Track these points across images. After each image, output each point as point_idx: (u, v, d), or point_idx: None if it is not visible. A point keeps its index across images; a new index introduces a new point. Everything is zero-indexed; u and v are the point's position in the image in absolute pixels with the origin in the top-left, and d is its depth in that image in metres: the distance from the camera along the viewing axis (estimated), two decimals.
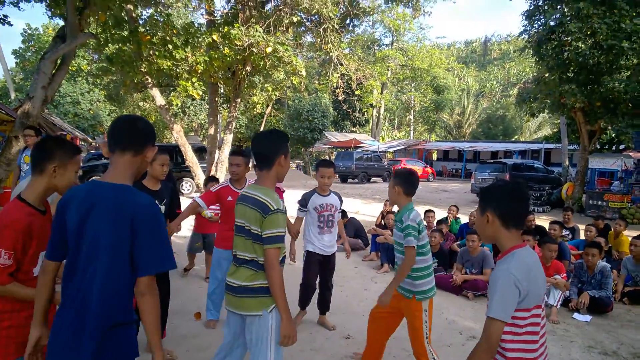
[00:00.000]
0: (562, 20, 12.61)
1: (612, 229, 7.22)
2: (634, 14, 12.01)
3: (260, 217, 2.28)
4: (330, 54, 13.64)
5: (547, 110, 15.46)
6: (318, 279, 4.49)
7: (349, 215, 8.81)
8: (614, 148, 17.34)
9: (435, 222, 7.80)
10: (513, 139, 41.46)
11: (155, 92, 13.42)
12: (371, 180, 26.70)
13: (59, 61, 9.29)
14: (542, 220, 11.20)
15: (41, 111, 9.16)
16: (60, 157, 2.06)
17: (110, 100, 35.92)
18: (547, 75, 14.45)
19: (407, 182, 3.20)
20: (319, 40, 14.13)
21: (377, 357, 3.51)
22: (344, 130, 42.65)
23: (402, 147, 37.33)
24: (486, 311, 1.78)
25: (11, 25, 12.11)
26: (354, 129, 43.80)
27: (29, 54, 36.74)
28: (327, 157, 41.17)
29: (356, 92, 15.86)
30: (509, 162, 17.72)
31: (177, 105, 14.01)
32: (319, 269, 4.44)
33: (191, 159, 13.91)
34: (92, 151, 31.13)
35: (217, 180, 6.31)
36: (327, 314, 4.66)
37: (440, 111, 45.42)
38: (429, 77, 43.02)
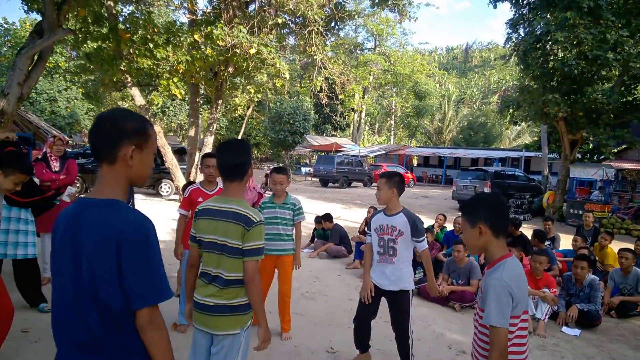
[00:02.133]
0: (549, 29, 12.72)
1: (597, 242, 7.22)
2: (620, 25, 12.22)
3: (243, 230, 2.25)
4: (315, 56, 13.50)
5: (530, 119, 15.64)
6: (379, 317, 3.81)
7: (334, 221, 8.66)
8: (595, 158, 17.65)
9: None
10: (493, 146, 42.00)
11: (135, 92, 13.05)
12: (352, 185, 26.63)
13: (35, 57, 8.96)
14: (524, 229, 11.23)
15: (16, 108, 8.81)
16: None
17: (88, 98, 34.81)
18: (531, 83, 14.60)
19: (289, 175, 4.39)
20: (302, 42, 13.97)
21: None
22: (324, 134, 42.63)
23: (383, 152, 37.45)
24: (483, 320, 1.89)
25: None
26: (335, 133, 43.84)
27: (5, 49, 35.58)
28: (307, 161, 41.11)
29: (340, 96, 15.75)
30: (491, 169, 17.80)
31: (157, 104, 13.65)
32: (378, 305, 3.67)
33: (171, 160, 13.55)
34: (68, 149, 30.32)
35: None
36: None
37: (421, 117, 45.75)
38: (410, 82, 43.33)
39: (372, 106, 47.77)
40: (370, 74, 40.81)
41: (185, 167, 14.54)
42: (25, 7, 12.05)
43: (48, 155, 5.53)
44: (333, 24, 15.80)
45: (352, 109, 41.34)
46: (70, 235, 1.41)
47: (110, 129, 1.44)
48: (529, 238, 7.17)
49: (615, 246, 7.00)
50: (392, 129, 52.21)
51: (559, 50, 12.49)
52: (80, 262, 1.39)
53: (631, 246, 6.31)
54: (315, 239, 8.69)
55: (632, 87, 14.71)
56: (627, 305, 5.50)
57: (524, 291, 1.93)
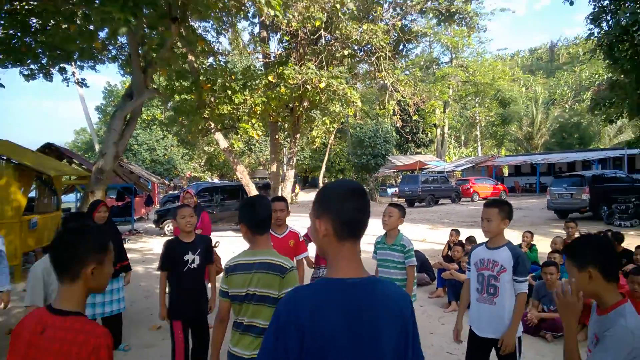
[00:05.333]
0: (637, 18, 11.58)
1: None
2: None
3: (279, 278, 2.36)
4: (385, 81, 13.60)
5: (626, 116, 14.27)
6: None
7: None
8: None
9: None
10: (591, 147, 38.54)
11: (218, 136, 14.01)
12: (439, 203, 25.90)
13: (127, 117, 9.99)
14: (631, 237, 10.16)
15: (113, 165, 9.83)
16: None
17: (182, 144, 38.24)
18: (621, 78, 13.40)
19: (403, 212, 3.97)
20: (373, 68, 14.18)
21: None
22: (408, 153, 42.12)
23: (470, 165, 36.03)
24: None
25: (88, 87, 13.34)
26: (419, 150, 43.15)
27: (110, 109, 40.13)
28: (392, 182, 40.74)
29: (414, 117, 15.62)
30: (587, 174, 16.33)
31: (238, 147, 14.56)
32: (486, 356, 3.14)
33: None
34: (170, 192, 33.12)
35: None
36: None
37: (507, 124, 43.60)
38: (492, 90, 41.70)
39: (454, 119, 46.47)
40: (449, 88, 39.91)
41: None
42: (122, 71, 13.64)
43: None
44: (401, 47, 15.84)
45: (434, 125, 40.50)
46: (361, 314, 1.42)
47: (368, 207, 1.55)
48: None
49: None
50: (478, 139, 50.22)
51: None
52: (377, 337, 1.43)
53: None
54: None
55: None
56: None
57: None
